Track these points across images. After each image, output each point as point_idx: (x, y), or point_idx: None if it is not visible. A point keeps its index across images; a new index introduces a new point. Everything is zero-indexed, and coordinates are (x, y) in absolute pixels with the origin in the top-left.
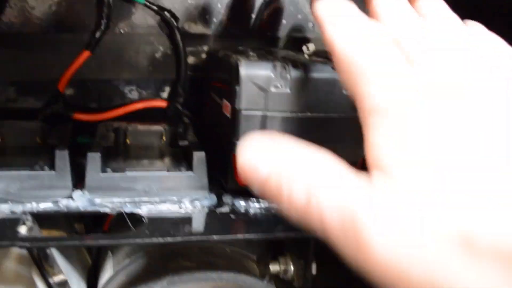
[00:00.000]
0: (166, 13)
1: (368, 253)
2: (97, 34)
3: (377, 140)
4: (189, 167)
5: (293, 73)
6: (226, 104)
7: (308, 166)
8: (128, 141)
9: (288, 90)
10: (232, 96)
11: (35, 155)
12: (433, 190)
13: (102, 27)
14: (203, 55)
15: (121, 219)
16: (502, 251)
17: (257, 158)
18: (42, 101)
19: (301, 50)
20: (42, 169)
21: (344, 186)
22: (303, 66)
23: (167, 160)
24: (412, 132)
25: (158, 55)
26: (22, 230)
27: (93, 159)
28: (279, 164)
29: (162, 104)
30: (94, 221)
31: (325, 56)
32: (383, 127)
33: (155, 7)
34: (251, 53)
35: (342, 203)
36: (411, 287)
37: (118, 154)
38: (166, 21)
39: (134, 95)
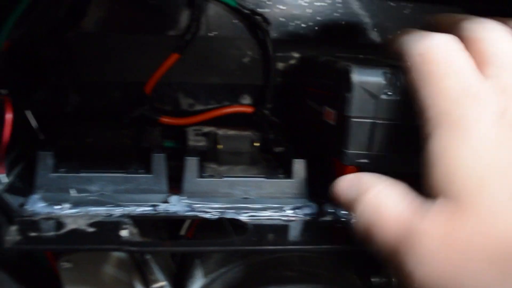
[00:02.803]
0: (257, 17)
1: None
2: (187, 37)
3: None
4: (287, 173)
5: (404, 80)
6: (329, 111)
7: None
8: (219, 146)
9: (398, 97)
10: (340, 103)
11: (127, 158)
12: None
13: (192, 29)
14: (292, 61)
15: (206, 226)
16: None
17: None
18: (128, 103)
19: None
20: (137, 172)
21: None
22: None
23: (261, 166)
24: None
25: (245, 60)
26: (124, 233)
27: (191, 164)
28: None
29: (248, 109)
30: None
31: None
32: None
33: (247, 11)
34: (356, 59)
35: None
36: None
37: (212, 159)
38: (258, 26)
39: (217, 100)
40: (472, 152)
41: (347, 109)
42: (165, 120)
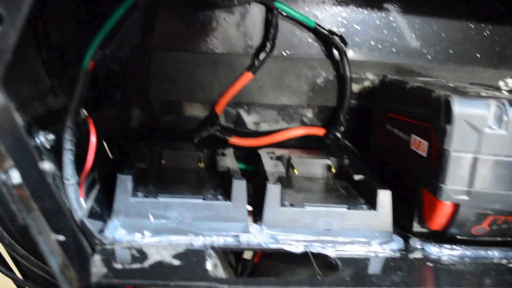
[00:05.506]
0: (335, 37)
1: None
2: (261, 56)
3: None
4: (370, 204)
5: (510, 113)
6: (418, 140)
7: None
8: (295, 171)
9: (504, 132)
10: (437, 134)
11: (202, 182)
12: None
13: (267, 48)
14: (366, 82)
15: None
16: None
17: None
18: (196, 123)
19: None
20: (216, 198)
21: None
22: None
23: (340, 195)
24: None
25: (319, 80)
26: (209, 266)
27: (273, 192)
28: None
29: (320, 132)
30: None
31: None
32: None
33: (325, 31)
34: (450, 86)
35: None
36: None
37: (288, 185)
38: (335, 46)
39: (286, 121)
40: None
41: (446, 142)
42: (235, 141)
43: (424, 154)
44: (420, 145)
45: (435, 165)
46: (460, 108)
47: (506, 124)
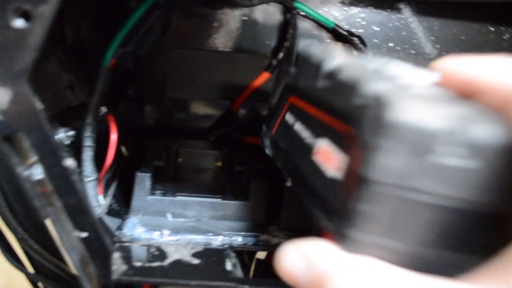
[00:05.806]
0: (354, 38)
1: None
2: (280, 56)
3: None
4: None
5: None
6: None
7: None
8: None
9: None
10: None
11: (220, 181)
12: None
13: (286, 48)
14: None
15: None
16: None
17: None
18: (212, 121)
19: None
20: (235, 198)
21: None
22: None
23: None
24: None
25: None
26: (228, 266)
27: (291, 193)
28: None
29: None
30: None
31: None
32: None
33: (345, 32)
34: None
35: None
36: None
37: None
38: (354, 47)
39: None
40: None
41: None
42: (252, 140)
43: None
44: None
45: None
46: None
47: None
